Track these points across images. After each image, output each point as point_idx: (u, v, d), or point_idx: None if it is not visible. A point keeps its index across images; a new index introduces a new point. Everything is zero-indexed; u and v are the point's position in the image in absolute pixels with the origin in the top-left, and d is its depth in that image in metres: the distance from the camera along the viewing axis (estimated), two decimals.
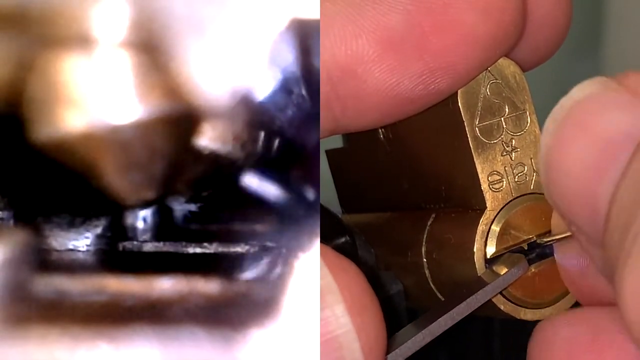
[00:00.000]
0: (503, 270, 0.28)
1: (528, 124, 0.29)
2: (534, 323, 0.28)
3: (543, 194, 0.28)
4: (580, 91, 0.24)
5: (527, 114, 0.29)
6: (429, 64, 0.27)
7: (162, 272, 0.28)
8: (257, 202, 0.31)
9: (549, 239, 0.28)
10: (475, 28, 0.27)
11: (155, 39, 0.28)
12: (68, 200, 0.31)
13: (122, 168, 0.29)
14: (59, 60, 0.28)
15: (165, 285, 0.28)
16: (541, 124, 0.29)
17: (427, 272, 0.30)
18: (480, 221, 0.28)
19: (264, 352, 0.24)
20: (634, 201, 0.21)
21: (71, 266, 0.29)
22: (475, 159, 0.28)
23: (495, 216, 0.28)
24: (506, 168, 0.28)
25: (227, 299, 0.27)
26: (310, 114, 0.29)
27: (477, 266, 0.28)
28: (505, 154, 0.29)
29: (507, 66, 0.29)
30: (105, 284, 0.28)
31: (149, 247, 0.31)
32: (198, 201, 0.32)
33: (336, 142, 0.34)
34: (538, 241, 0.28)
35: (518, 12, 0.27)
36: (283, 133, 0.31)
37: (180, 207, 0.31)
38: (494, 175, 0.28)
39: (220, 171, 0.30)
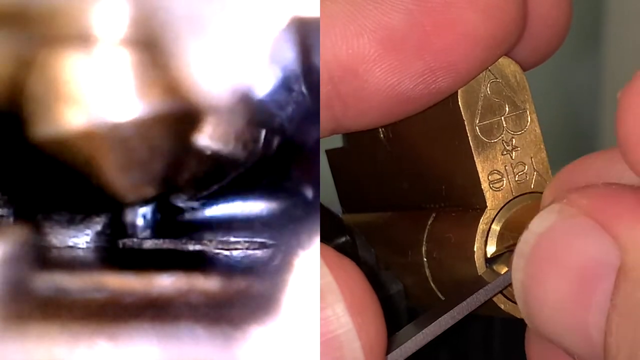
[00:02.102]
0: (503, 270, 0.28)
1: (528, 123, 0.29)
2: None
3: (543, 192, 0.28)
4: (541, 224, 0.24)
5: (528, 113, 0.29)
6: (430, 63, 0.27)
7: (162, 270, 0.28)
8: (257, 202, 0.31)
9: None
10: (475, 27, 0.27)
11: (155, 36, 0.28)
12: (68, 198, 0.31)
13: (122, 165, 0.29)
14: (59, 58, 0.28)
15: (165, 282, 0.28)
16: (541, 123, 0.29)
17: (427, 271, 0.30)
18: (481, 220, 0.28)
19: (263, 351, 0.24)
20: (632, 336, 0.22)
21: (71, 263, 0.29)
22: (475, 158, 0.28)
23: (496, 215, 0.28)
24: (506, 167, 0.28)
25: (227, 296, 0.27)
26: (311, 113, 0.29)
27: (477, 265, 0.28)
28: (505, 153, 0.29)
29: (508, 65, 0.29)
30: (105, 281, 0.28)
31: (148, 244, 0.31)
32: (198, 198, 0.31)
33: (336, 142, 0.34)
34: None
35: (518, 12, 0.27)
36: (283, 131, 0.31)
37: (180, 204, 0.31)
38: (494, 175, 0.28)
39: (220, 169, 0.30)
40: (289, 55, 0.29)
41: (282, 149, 0.31)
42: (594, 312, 0.23)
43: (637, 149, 0.22)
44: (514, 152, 0.29)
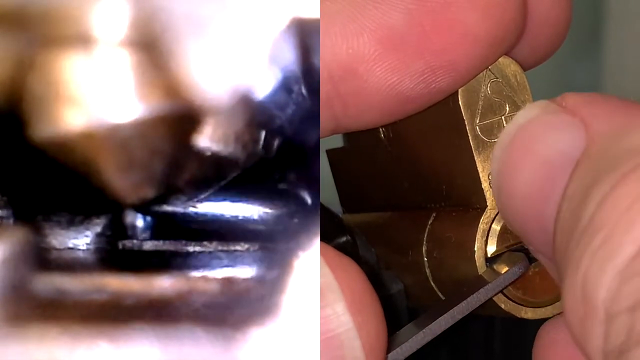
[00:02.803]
0: (504, 269, 0.28)
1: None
2: (535, 322, 0.28)
3: None
4: (523, 116, 0.24)
5: None
6: (430, 62, 0.27)
7: (162, 271, 0.28)
8: (257, 203, 0.31)
9: None
10: (476, 27, 0.27)
11: (155, 37, 0.28)
12: (68, 199, 0.31)
13: (121, 167, 0.29)
14: (59, 59, 0.28)
15: (165, 283, 0.28)
16: None
17: (427, 271, 0.30)
18: (481, 220, 0.28)
19: (264, 351, 0.24)
20: (570, 220, 0.22)
21: (71, 265, 0.29)
22: (475, 158, 0.28)
23: (496, 215, 0.28)
24: None
25: (227, 297, 0.27)
26: (311, 113, 0.29)
27: (477, 265, 0.28)
28: None
29: (508, 65, 0.29)
30: (105, 282, 0.28)
31: (148, 245, 0.31)
32: (198, 200, 0.31)
33: (336, 142, 0.34)
34: None
35: (518, 11, 0.27)
36: (283, 132, 0.31)
37: (180, 205, 0.31)
38: None
39: (220, 170, 0.30)
40: (289, 56, 0.29)
41: (282, 149, 0.31)
42: (551, 203, 0.23)
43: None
44: None
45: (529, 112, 0.24)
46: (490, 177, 0.26)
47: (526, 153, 0.24)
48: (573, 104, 0.24)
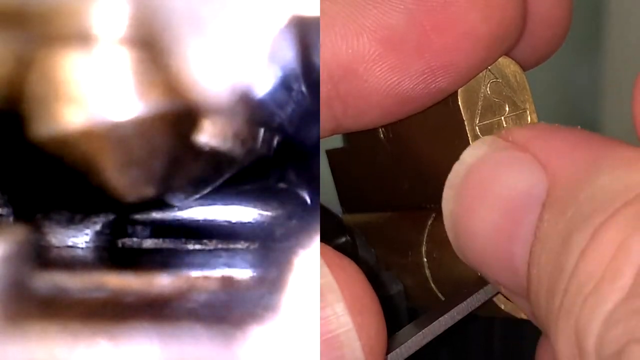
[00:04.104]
0: None
1: (528, 123, 0.29)
2: None
3: None
4: (471, 155, 0.24)
5: (528, 113, 0.29)
6: (430, 62, 0.27)
7: (161, 269, 0.28)
8: (257, 202, 0.31)
9: None
10: (476, 26, 0.27)
11: (155, 35, 0.28)
12: (67, 197, 0.31)
13: (121, 165, 0.29)
14: (58, 57, 0.28)
15: (165, 282, 0.28)
16: None
17: (427, 271, 0.30)
18: None
19: (263, 349, 0.24)
20: (552, 266, 0.22)
21: (71, 263, 0.29)
22: None
23: None
24: None
25: (227, 296, 0.27)
26: (311, 112, 0.29)
27: None
28: None
29: (508, 65, 0.29)
30: (104, 280, 0.28)
31: (148, 243, 0.31)
32: (197, 197, 0.31)
33: (336, 142, 0.34)
34: None
35: (518, 11, 0.27)
36: (283, 130, 0.31)
37: (179, 203, 0.31)
38: None
39: (219, 167, 0.30)
40: (289, 55, 0.29)
41: (282, 148, 0.31)
42: (519, 243, 0.23)
43: None
44: None
45: (477, 150, 0.24)
46: (445, 219, 0.26)
47: (482, 193, 0.24)
48: (522, 139, 0.24)
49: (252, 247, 0.30)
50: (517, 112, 0.29)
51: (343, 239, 0.32)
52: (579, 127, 0.24)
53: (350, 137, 0.33)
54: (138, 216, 0.31)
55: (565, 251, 0.21)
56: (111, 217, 0.31)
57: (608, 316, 0.20)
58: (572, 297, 0.21)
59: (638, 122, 0.23)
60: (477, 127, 0.28)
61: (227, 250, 0.30)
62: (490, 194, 0.23)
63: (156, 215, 0.31)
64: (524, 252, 0.23)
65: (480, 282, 0.28)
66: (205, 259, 0.30)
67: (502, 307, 0.28)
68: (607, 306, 0.20)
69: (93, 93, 0.28)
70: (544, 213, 0.23)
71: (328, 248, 0.25)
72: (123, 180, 0.29)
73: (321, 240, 0.26)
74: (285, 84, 0.29)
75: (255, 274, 0.28)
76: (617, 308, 0.20)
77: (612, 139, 0.23)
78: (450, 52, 0.27)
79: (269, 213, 0.31)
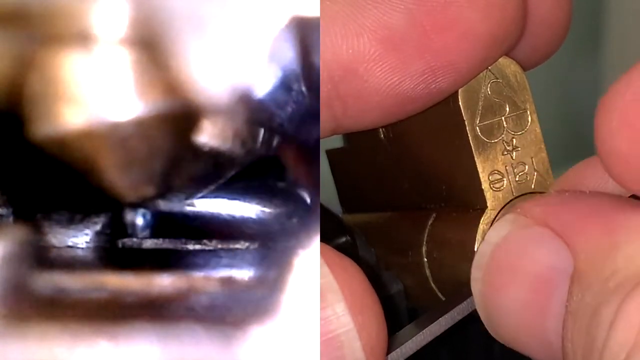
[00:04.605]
0: None
1: (529, 123, 0.29)
2: None
3: (544, 193, 0.28)
4: (496, 235, 0.25)
5: (528, 113, 0.29)
6: (430, 62, 0.27)
7: (161, 269, 0.28)
8: (257, 201, 0.31)
9: None
10: (476, 26, 0.27)
11: (155, 36, 0.28)
12: (67, 197, 0.31)
13: (121, 165, 0.29)
14: (58, 58, 0.28)
15: (165, 282, 0.28)
16: (542, 123, 0.29)
17: (427, 271, 0.30)
18: (481, 220, 0.28)
19: (263, 350, 0.24)
20: (584, 341, 0.22)
21: (71, 263, 0.29)
22: (475, 158, 0.28)
23: (496, 216, 0.28)
24: (507, 167, 0.28)
25: (227, 296, 0.27)
26: (311, 112, 0.29)
27: None
28: (506, 153, 0.28)
29: (508, 65, 0.29)
30: (104, 280, 0.28)
31: (148, 244, 0.31)
32: (197, 198, 0.31)
33: (336, 142, 0.34)
34: None
35: (519, 11, 0.27)
36: (283, 131, 0.30)
37: (179, 203, 0.31)
38: (495, 175, 0.28)
39: (219, 167, 0.30)
40: (289, 55, 0.29)
41: (282, 148, 0.31)
42: (551, 318, 0.24)
43: (619, 163, 0.22)
44: (514, 152, 0.29)
45: (501, 230, 0.25)
46: (475, 299, 0.26)
47: (509, 272, 0.24)
48: (539, 215, 0.24)
49: (252, 247, 0.30)
50: (518, 112, 0.29)
51: (343, 239, 0.32)
52: (587, 191, 0.25)
53: (350, 137, 0.33)
54: (138, 216, 0.31)
55: (596, 324, 0.22)
56: (111, 217, 0.31)
57: None
58: None
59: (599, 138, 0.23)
60: (477, 127, 0.28)
61: (227, 250, 0.30)
62: (518, 271, 0.24)
63: (156, 215, 0.31)
64: (556, 326, 0.23)
65: None
66: (205, 259, 0.30)
67: None
68: None
69: (93, 93, 0.28)
70: (573, 287, 0.23)
71: (328, 248, 0.25)
72: (123, 180, 0.29)
73: (321, 240, 0.26)
74: (285, 84, 0.29)
75: (255, 274, 0.28)
76: None
77: (623, 201, 0.24)
78: (451, 52, 0.27)
79: (269, 210, 0.31)
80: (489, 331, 0.26)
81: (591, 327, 0.22)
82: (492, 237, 0.25)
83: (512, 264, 0.24)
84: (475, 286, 0.25)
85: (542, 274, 0.24)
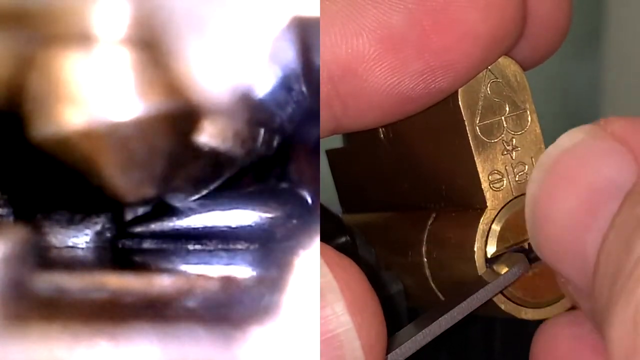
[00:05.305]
0: (504, 270, 0.28)
1: (529, 123, 0.29)
2: (535, 322, 0.28)
3: None
4: (568, 140, 0.24)
5: (528, 113, 0.29)
6: (430, 62, 0.27)
7: (161, 269, 0.28)
8: (257, 202, 0.31)
9: None
10: (475, 26, 0.27)
11: (155, 36, 0.28)
12: (68, 198, 0.31)
13: (122, 165, 0.29)
14: (59, 58, 0.28)
15: (165, 282, 0.28)
16: (541, 123, 0.29)
17: (427, 271, 0.30)
18: (481, 220, 0.28)
19: (264, 350, 0.24)
20: (621, 251, 0.21)
21: (71, 263, 0.29)
22: (475, 158, 0.28)
23: (496, 215, 0.28)
24: (507, 167, 0.28)
25: (227, 296, 0.27)
26: (311, 112, 0.29)
27: (477, 265, 0.28)
28: (505, 153, 0.29)
29: (508, 65, 0.29)
30: (105, 281, 0.28)
31: (148, 244, 0.31)
32: (197, 198, 0.31)
33: (336, 142, 0.34)
34: None
35: (518, 11, 0.27)
36: (283, 131, 0.31)
37: (179, 204, 0.31)
38: (495, 175, 0.28)
39: (219, 167, 0.30)
40: (289, 55, 0.29)
41: (282, 148, 0.31)
42: (593, 232, 0.23)
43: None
44: (514, 152, 0.29)
45: (574, 136, 0.24)
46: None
47: (569, 178, 0.23)
48: (620, 131, 0.23)
49: (252, 247, 0.30)
50: (517, 112, 0.29)
51: (343, 239, 0.32)
52: None
53: (350, 137, 0.33)
54: (138, 216, 0.31)
55: (637, 234, 0.21)
56: (111, 217, 0.31)
57: None
58: (636, 279, 0.20)
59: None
60: (477, 127, 0.28)
61: (227, 250, 0.30)
62: (577, 180, 0.23)
63: (155, 226, 0.31)
64: (596, 240, 0.23)
65: (480, 282, 0.28)
66: (205, 259, 0.30)
67: (502, 307, 0.28)
68: None
69: (93, 93, 0.28)
70: (625, 202, 0.22)
71: (328, 248, 0.25)
72: (123, 180, 0.29)
73: (321, 240, 0.26)
74: (285, 84, 0.29)
75: (255, 274, 0.28)
76: None
77: None
78: (450, 52, 0.27)
79: (269, 215, 0.31)
80: (531, 242, 0.25)
81: (632, 237, 0.21)
82: (563, 142, 0.24)
83: (573, 171, 0.23)
84: (531, 188, 0.24)
85: (599, 185, 0.23)
